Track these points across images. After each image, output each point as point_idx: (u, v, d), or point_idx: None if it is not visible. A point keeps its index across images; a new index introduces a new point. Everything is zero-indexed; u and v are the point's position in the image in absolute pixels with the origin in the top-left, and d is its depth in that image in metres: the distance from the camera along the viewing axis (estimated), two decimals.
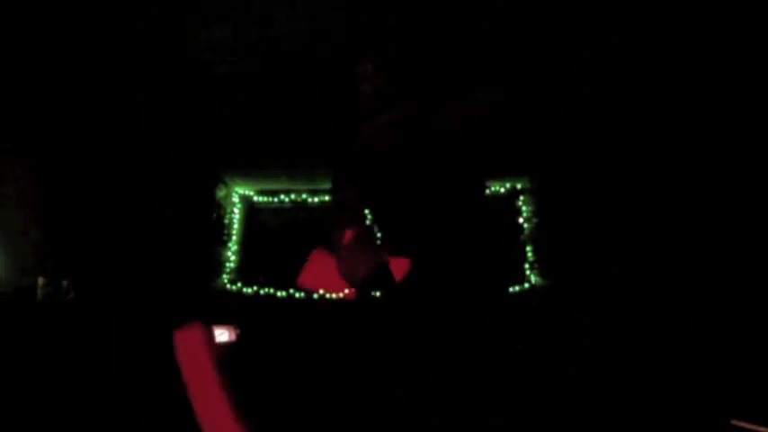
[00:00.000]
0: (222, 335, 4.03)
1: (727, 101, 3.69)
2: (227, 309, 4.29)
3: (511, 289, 4.33)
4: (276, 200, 4.80)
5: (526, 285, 4.36)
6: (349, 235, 2.05)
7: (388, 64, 2.13)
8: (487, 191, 4.58)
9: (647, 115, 3.87)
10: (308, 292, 2.08)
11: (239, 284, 4.56)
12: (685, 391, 3.08)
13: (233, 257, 4.62)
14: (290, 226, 4.76)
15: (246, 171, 4.59)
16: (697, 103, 3.74)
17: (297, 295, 4.55)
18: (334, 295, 2.01)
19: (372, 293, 1.96)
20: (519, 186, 4.58)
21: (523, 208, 4.54)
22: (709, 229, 3.80)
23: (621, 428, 2.93)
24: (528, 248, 4.44)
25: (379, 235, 1.95)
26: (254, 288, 4.55)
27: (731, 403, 2.85)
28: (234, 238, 4.67)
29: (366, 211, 2.07)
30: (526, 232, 4.47)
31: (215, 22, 3.44)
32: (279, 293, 4.55)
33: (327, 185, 4.71)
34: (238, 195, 4.78)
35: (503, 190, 4.59)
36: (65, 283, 3.88)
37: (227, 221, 4.64)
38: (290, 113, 3.98)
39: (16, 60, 3.78)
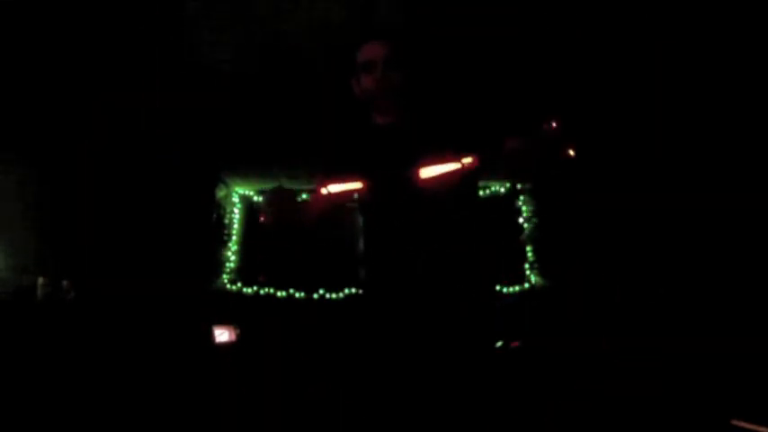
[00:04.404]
0: (222, 335, 4.05)
1: (725, 99, 3.70)
2: (227, 309, 4.29)
3: (511, 289, 4.34)
4: None
5: (526, 285, 4.37)
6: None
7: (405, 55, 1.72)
8: (487, 191, 4.59)
9: (646, 115, 3.87)
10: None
11: (239, 284, 4.56)
12: (685, 391, 3.08)
13: (233, 257, 4.62)
14: (290, 226, 4.75)
15: (246, 171, 4.59)
16: (695, 103, 3.74)
17: (297, 295, 4.55)
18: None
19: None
20: (519, 186, 4.58)
21: (523, 208, 4.54)
22: (709, 228, 3.80)
23: (622, 428, 2.93)
24: (528, 248, 4.44)
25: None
26: (254, 288, 4.56)
27: (731, 403, 2.85)
28: (234, 238, 4.67)
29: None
30: (526, 232, 4.48)
31: (216, 22, 3.44)
32: (279, 293, 4.56)
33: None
34: (238, 195, 4.78)
35: (503, 190, 4.60)
36: (65, 283, 3.88)
37: (227, 221, 4.64)
38: (289, 114, 3.98)
39: (17, 61, 3.77)
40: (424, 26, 3.30)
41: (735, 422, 2.69)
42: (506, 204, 4.58)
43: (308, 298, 4.49)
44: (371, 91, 1.70)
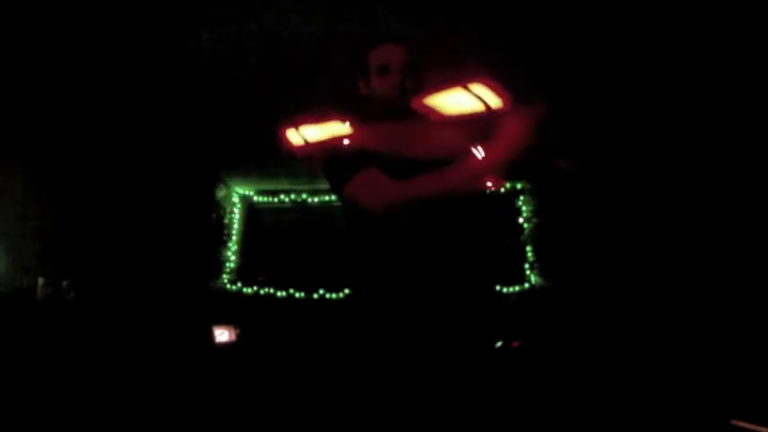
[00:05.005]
0: (222, 335, 4.05)
1: (726, 103, 3.69)
2: (227, 309, 4.29)
3: (511, 289, 4.34)
4: (276, 200, 4.80)
5: (526, 285, 4.37)
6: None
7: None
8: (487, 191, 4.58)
9: (646, 116, 3.87)
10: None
11: (239, 284, 4.56)
12: (685, 391, 3.08)
13: (233, 257, 4.62)
14: (290, 226, 4.76)
15: (246, 171, 4.59)
16: (695, 105, 3.74)
17: (297, 295, 4.55)
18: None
19: None
20: (519, 186, 4.58)
21: (523, 208, 4.54)
22: (709, 228, 3.80)
23: (621, 428, 2.93)
24: (528, 248, 4.44)
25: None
26: (254, 288, 4.56)
27: (731, 403, 2.85)
28: (234, 238, 4.67)
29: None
30: (526, 232, 4.47)
31: (215, 21, 3.44)
32: (279, 293, 4.56)
33: (327, 185, 4.73)
34: (238, 195, 4.78)
35: (503, 190, 4.59)
36: (65, 283, 3.88)
37: (227, 221, 4.64)
38: (289, 113, 3.97)
39: (16, 62, 3.78)
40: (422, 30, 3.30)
41: (735, 422, 2.69)
42: (506, 204, 4.58)
43: (308, 298, 4.49)
44: (386, 95, 1.65)
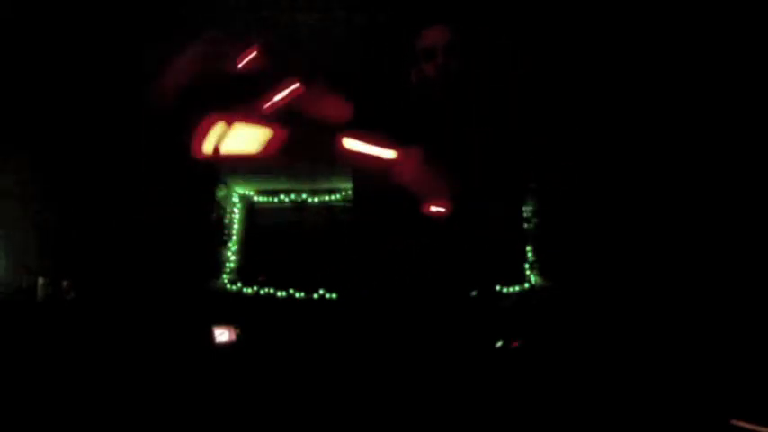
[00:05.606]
0: (222, 335, 4.05)
1: (725, 103, 3.69)
2: (227, 309, 4.29)
3: (511, 289, 4.33)
4: (276, 200, 4.80)
5: (526, 285, 4.36)
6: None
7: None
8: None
9: (646, 116, 3.87)
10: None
11: (239, 284, 4.56)
12: (685, 391, 3.08)
13: (233, 257, 4.62)
14: (290, 226, 4.76)
15: (246, 171, 4.59)
16: (695, 105, 3.74)
17: (297, 295, 4.55)
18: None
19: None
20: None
21: (523, 208, 4.53)
22: (709, 228, 3.80)
23: (621, 428, 2.93)
24: (528, 248, 4.44)
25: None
26: (254, 288, 4.56)
27: (731, 403, 2.85)
28: (234, 238, 4.67)
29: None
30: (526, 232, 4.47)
31: (215, 21, 3.44)
32: (279, 293, 4.56)
33: (327, 185, 4.75)
34: (238, 195, 4.78)
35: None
36: (65, 283, 3.88)
37: (227, 221, 4.65)
38: (289, 113, 3.97)
39: (16, 60, 3.78)
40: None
41: (735, 422, 2.69)
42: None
43: (308, 298, 4.49)
44: (431, 79, 1.55)
